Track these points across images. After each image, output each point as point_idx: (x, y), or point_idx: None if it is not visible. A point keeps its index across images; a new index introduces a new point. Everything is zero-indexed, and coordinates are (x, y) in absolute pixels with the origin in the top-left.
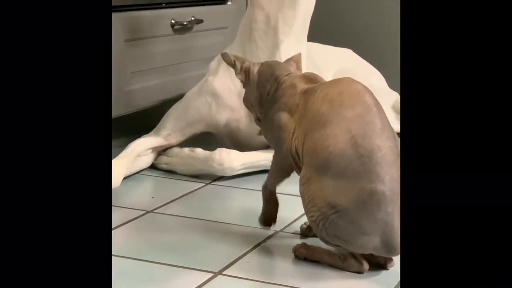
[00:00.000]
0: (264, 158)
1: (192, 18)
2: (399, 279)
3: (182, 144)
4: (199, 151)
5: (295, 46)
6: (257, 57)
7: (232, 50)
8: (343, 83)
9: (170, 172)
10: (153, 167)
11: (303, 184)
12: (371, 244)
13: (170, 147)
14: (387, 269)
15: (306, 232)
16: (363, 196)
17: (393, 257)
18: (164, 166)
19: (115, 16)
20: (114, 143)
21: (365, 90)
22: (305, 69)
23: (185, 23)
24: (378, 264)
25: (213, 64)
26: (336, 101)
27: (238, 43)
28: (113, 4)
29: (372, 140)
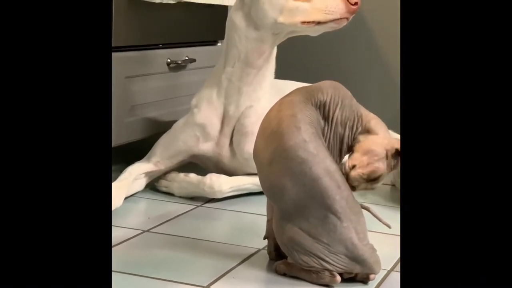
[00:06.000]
0: (250, 182)
1: (186, 58)
2: None
3: (179, 170)
4: (193, 175)
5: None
6: (239, 105)
7: (215, 101)
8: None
9: (165, 194)
10: (153, 189)
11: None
12: (341, 262)
13: (167, 172)
14: (367, 284)
15: (272, 256)
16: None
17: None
18: (164, 189)
19: (117, 55)
20: (116, 168)
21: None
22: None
23: (179, 62)
24: (358, 281)
25: (195, 101)
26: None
27: (220, 95)
28: (116, 45)
29: (313, 170)
